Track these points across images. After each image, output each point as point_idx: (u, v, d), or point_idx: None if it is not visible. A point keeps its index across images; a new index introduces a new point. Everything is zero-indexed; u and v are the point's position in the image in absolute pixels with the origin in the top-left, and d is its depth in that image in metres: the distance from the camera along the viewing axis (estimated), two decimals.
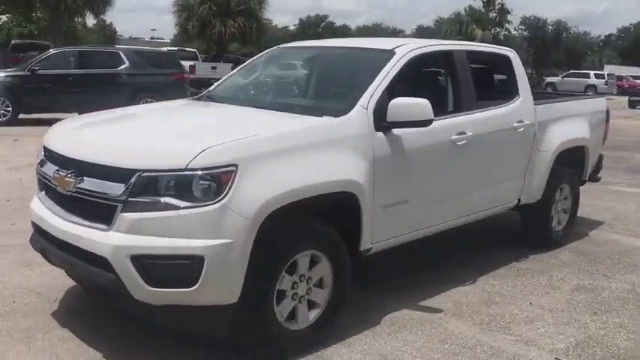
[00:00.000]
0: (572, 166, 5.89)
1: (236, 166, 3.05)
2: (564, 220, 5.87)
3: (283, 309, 3.38)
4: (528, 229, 5.68)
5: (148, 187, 3.02)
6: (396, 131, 3.88)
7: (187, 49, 30.31)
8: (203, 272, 2.98)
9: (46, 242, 3.54)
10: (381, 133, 3.80)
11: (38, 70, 13.85)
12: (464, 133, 4.41)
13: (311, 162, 3.41)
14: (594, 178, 6.57)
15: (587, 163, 5.99)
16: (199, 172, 2.99)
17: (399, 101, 3.77)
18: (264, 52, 5.38)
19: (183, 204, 2.99)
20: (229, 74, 5.23)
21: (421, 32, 73.65)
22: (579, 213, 6.23)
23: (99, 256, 3.09)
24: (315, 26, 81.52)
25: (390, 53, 4.23)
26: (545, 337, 3.86)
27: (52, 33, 30.21)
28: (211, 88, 4.97)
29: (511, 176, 5.09)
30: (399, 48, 4.30)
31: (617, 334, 3.95)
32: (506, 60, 5.17)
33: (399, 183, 3.98)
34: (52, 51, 15.53)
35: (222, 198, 3.00)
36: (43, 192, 3.69)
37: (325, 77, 4.76)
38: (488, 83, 5.11)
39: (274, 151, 3.28)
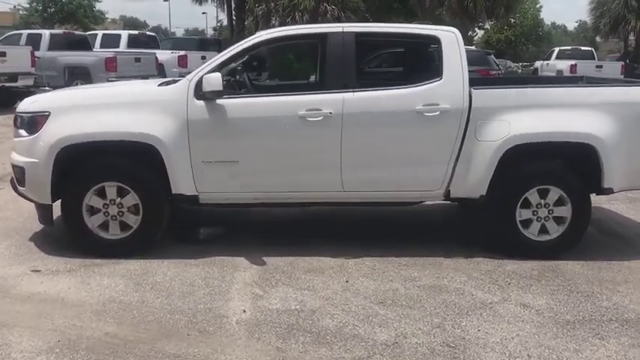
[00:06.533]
0: (573, 167, 4.89)
1: (49, 112, 4.65)
2: (556, 230, 4.92)
3: (95, 220, 4.75)
4: (488, 229, 5.08)
5: (16, 122, 4.90)
6: (220, 101, 4.64)
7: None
8: (26, 178, 4.71)
9: None
10: (201, 102, 4.64)
11: None
12: (318, 110, 4.66)
13: (115, 116, 4.65)
14: None
15: (602, 166, 4.78)
16: (27, 115, 4.74)
17: (207, 75, 4.55)
18: None
19: (23, 134, 4.77)
20: None
21: None
22: None
23: None
24: None
25: (253, 36, 4.88)
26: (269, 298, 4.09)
27: None
28: None
29: (421, 163, 4.79)
30: (266, 31, 4.88)
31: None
32: (432, 41, 4.83)
33: (222, 144, 4.70)
34: None
35: (37, 132, 4.65)
36: None
37: None
38: (390, 65, 4.91)
39: (83, 105, 4.77)
